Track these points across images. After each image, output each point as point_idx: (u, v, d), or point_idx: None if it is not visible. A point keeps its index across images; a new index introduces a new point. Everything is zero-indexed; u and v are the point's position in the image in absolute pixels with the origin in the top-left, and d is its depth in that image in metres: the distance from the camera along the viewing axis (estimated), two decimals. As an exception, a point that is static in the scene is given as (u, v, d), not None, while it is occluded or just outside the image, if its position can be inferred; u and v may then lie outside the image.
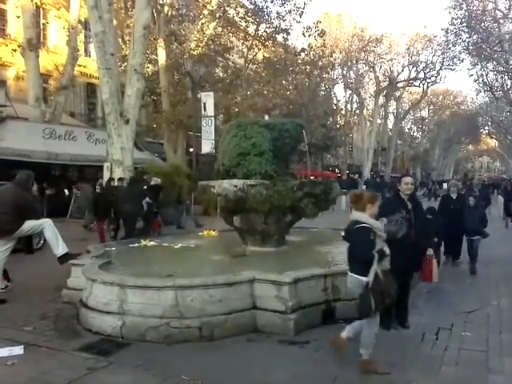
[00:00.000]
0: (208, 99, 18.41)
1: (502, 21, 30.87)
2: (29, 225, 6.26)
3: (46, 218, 6.87)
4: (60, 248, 6.26)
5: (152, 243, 8.14)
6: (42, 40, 22.74)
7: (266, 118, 8.15)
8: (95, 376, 4.08)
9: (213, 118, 18.56)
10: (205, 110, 18.46)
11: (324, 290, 5.56)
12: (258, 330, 5.15)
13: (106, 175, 14.82)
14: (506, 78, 40.83)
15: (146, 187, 11.52)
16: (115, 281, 5.19)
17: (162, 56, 21.74)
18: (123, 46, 22.33)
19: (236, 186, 6.91)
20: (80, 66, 22.47)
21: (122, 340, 4.88)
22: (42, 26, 22.97)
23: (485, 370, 4.32)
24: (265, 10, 23.96)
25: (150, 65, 23.93)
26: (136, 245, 8.08)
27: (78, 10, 19.70)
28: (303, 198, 7.03)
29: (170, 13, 22.28)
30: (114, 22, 17.52)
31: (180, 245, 7.91)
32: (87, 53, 24.94)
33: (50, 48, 23.15)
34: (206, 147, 18.51)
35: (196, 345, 4.79)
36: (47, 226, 6.28)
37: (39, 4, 21.08)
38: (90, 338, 4.95)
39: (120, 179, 13.13)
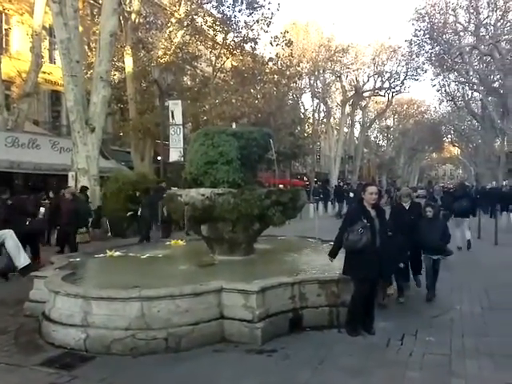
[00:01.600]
0: (176, 107, 18.31)
1: (462, 33, 32.06)
2: (-11, 236, 6.07)
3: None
4: (22, 259, 6.10)
5: (118, 253, 8.00)
6: (4, 46, 22.20)
7: (234, 126, 8.15)
8: (57, 391, 3.97)
9: (181, 127, 18.46)
10: (173, 118, 18.33)
11: (291, 298, 5.58)
12: (225, 340, 5.12)
13: (71, 184, 14.53)
14: (467, 88, 42.28)
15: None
16: (79, 292, 5.07)
17: (129, 63, 21.55)
18: (89, 53, 22.04)
19: (203, 195, 6.88)
20: (44, 72, 22.01)
21: (86, 353, 4.77)
22: (4, 32, 22.41)
23: (448, 374, 4.42)
24: (233, 19, 24.10)
25: (116, 72, 23.68)
26: (101, 255, 7.92)
27: (42, 16, 19.32)
28: (271, 206, 7.05)
29: (137, 20, 22.13)
30: (80, 28, 17.29)
31: (147, 255, 7.80)
32: (52, 60, 24.45)
33: (12, 54, 22.58)
34: (174, 155, 18.37)
35: (162, 356, 4.72)
36: (8, 237, 6.10)
37: (1, 9, 20.61)
38: (52, 352, 4.81)
39: (83, 189, 12.70)
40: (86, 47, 22.15)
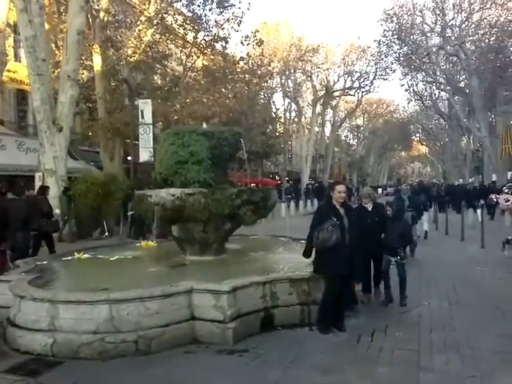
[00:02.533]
0: (146, 106, 18.08)
1: (429, 34, 32.71)
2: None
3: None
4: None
5: (86, 256, 7.85)
6: (-34, 43, 21.49)
7: (204, 126, 8.10)
8: (23, 399, 3.87)
9: (151, 126, 18.24)
10: (142, 117, 18.09)
11: (262, 298, 5.58)
12: (196, 341, 5.08)
13: (38, 185, 14.18)
14: (434, 88, 43.24)
15: None
16: (46, 296, 4.95)
17: (97, 62, 21.15)
18: (57, 52, 21.53)
19: (174, 195, 6.81)
20: (9, 71, 21.42)
21: (53, 359, 4.66)
22: (-35, 29, 21.67)
23: (416, 369, 4.49)
24: (203, 18, 23.95)
25: (85, 71, 23.22)
26: (69, 258, 7.76)
27: (6, 12, 18.76)
28: (242, 205, 7.04)
29: (105, 18, 21.74)
30: (47, 26, 16.89)
31: (116, 256, 7.67)
32: (17, 58, 23.80)
33: (-25, 52, 21.87)
34: (144, 155, 18.15)
35: (132, 359, 4.65)
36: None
37: (-37, 5, 19.90)
38: (17, 359, 4.68)
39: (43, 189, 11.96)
40: (53, 45, 21.62)
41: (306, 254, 5.83)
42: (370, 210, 7.00)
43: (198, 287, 5.19)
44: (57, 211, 10.48)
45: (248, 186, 9.63)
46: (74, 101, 15.19)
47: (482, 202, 20.72)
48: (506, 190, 12.59)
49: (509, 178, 32.52)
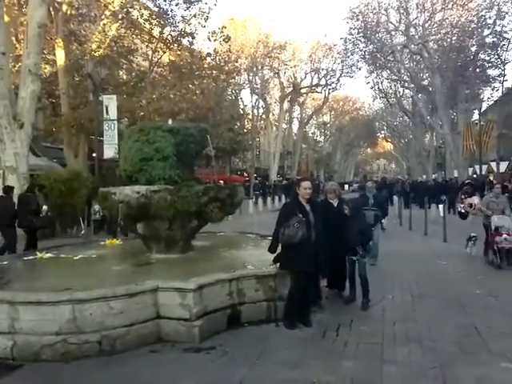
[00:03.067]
0: (110, 102, 17.76)
1: (393, 33, 33.31)
2: None
3: None
4: None
5: (49, 255, 7.65)
6: None
7: (170, 122, 8.00)
8: (-20, 404, 3.75)
9: (116, 122, 17.94)
10: (107, 113, 17.77)
11: (229, 295, 5.57)
12: (162, 340, 5.03)
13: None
14: (399, 85, 44.07)
15: None
16: (5, 297, 4.79)
17: (60, 56, 20.62)
18: (17, 45, 20.87)
19: (138, 192, 6.70)
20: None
21: (13, 362, 4.53)
22: None
23: (380, 361, 4.58)
24: (169, 13, 23.68)
25: (47, 66, 22.60)
26: (31, 257, 7.55)
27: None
28: (208, 202, 7.00)
29: (68, 12, 21.20)
30: (6, 18, 16.32)
31: (80, 256, 7.50)
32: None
33: None
34: (109, 152, 17.83)
35: (96, 360, 4.57)
36: None
37: None
38: (-26, 363, 4.53)
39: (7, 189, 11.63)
40: (14, 39, 20.96)
41: (271, 250, 5.84)
42: (335, 205, 6.84)
43: (164, 286, 5.14)
44: (44, 207, 10.34)
45: (215, 183, 9.59)
46: (36, 96, 14.77)
47: (443, 197, 21.32)
48: (462, 196, 12.28)
49: (470, 174, 33.50)
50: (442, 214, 14.21)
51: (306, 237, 5.38)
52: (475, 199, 10.11)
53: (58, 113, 22.59)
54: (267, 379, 4.21)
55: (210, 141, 7.70)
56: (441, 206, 15.62)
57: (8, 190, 10.36)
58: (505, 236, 9.11)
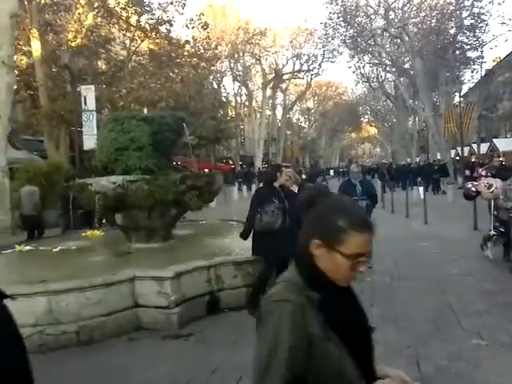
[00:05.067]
0: (88, 92, 17.55)
1: (373, 16, 33.21)
2: None
3: None
4: None
5: (28, 248, 7.61)
6: None
7: (145, 111, 7.96)
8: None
9: (94, 113, 17.75)
10: (85, 103, 17.57)
11: (208, 282, 5.61)
12: (141, 328, 5.06)
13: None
14: (381, 70, 44.13)
15: None
16: (-21, 291, 4.77)
17: (36, 47, 20.23)
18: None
19: (115, 183, 6.68)
20: None
21: (-11, 355, 4.51)
22: None
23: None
24: (146, 0, 23.36)
25: (23, 57, 22.18)
26: (9, 251, 7.51)
27: None
28: (186, 191, 7.00)
29: (42, 1, 20.79)
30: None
31: (59, 248, 7.48)
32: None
33: None
34: (89, 143, 17.62)
35: (74, 350, 4.59)
36: None
37: None
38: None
39: None
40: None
41: (244, 236, 5.82)
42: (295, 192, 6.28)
43: (141, 274, 5.15)
44: None
45: (193, 172, 9.56)
46: (11, 88, 14.55)
47: (419, 179, 21.47)
48: (484, 173, 9.25)
49: (452, 156, 33.83)
50: (422, 197, 14.36)
51: (284, 224, 5.38)
52: (498, 181, 7.99)
53: (37, 105, 22.25)
54: (243, 363, 4.25)
55: (186, 129, 7.68)
56: (421, 188, 15.78)
57: None
58: None
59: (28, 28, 20.47)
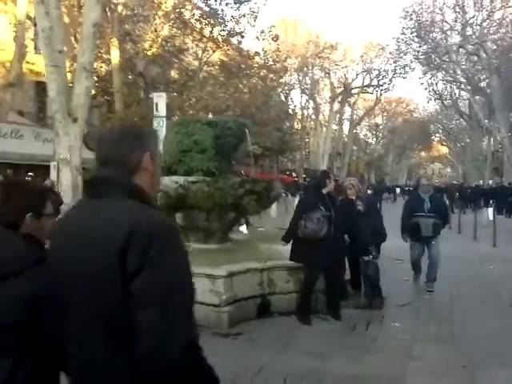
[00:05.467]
0: (160, 99, 18.21)
1: (449, 32, 32.27)
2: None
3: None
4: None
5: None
6: (-13, 35, 21.99)
7: (210, 116, 8.18)
8: None
9: (164, 119, 18.38)
10: (157, 110, 18.26)
11: (260, 284, 5.64)
12: (192, 324, 5.15)
13: (53, 174, 14.46)
14: (455, 87, 42.61)
15: None
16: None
17: (115, 55, 21.42)
18: (75, 45, 21.86)
19: (177, 183, 6.88)
20: (29, 63, 21.82)
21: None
22: (-13, 21, 22.20)
23: (407, 358, 4.50)
24: (220, 12, 24.08)
25: (103, 64, 23.53)
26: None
27: (25, 5, 19.15)
28: (245, 195, 7.09)
29: (124, 12, 22.02)
30: (66, 19, 17.17)
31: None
32: (38, 50, 24.22)
33: (-4, 44, 22.37)
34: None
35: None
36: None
37: (-16, -2, 20.41)
38: None
39: None
40: (73, 38, 21.97)
41: (286, 239, 5.70)
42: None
43: (195, 271, 5.23)
44: None
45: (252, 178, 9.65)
46: (90, 92, 15.38)
47: (491, 201, 20.46)
48: None
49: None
50: (491, 218, 13.65)
51: (328, 233, 5.28)
52: None
53: (113, 110, 23.48)
54: (288, 366, 4.23)
55: (248, 135, 7.79)
56: (490, 209, 15.00)
57: None
58: None
59: (109, 37, 21.72)
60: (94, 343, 1.31)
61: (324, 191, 5.50)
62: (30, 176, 16.40)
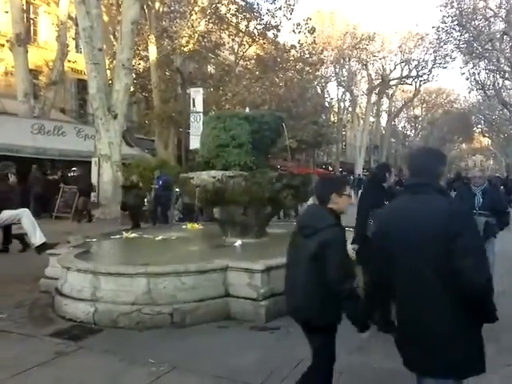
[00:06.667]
0: (197, 95, 18.42)
1: (492, 19, 31.09)
2: (6, 214, 6.31)
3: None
4: (37, 237, 6.31)
5: (134, 235, 8.19)
6: (31, 35, 22.71)
7: (247, 110, 8.20)
8: (62, 360, 4.14)
9: (201, 114, 18.54)
10: (194, 105, 18.46)
11: (297, 279, 5.61)
12: (230, 317, 5.21)
13: (94, 170, 14.88)
14: (498, 76, 41.02)
15: None
16: (89, 268, 5.24)
17: (153, 52, 21.77)
18: (115, 43, 22.33)
19: (215, 177, 6.96)
20: (70, 61, 22.46)
21: (95, 326, 4.93)
22: (31, 22, 22.94)
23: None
24: (255, 6, 24.05)
25: (141, 61, 23.96)
26: (118, 236, 8.12)
27: (67, 5, 19.70)
28: (282, 189, 7.09)
29: (161, 9, 22.32)
30: (105, 18, 17.58)
31: (161, 237, 7.95)
32: (78, 49, 24.87)
33: (39, 43, 23.12)
34: (195, 143, 18.42)
35: (167, 331, 4.84)
36: (25, 216, 6.33)
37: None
38: (62, 325, 5.00)
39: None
40: (112, 36, 22.44)
41: (359, 242, 5.13)
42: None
43: (233, 265, 5.31)
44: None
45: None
46: (129, 89, 15.75)
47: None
48: None
49: None
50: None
51: None
52: None
53: (151, 106, 23.89)
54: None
55: (285, 129, 7.78)
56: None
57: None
58: None
59: (146, 34, 22.06)
60: (423, 280, 2.27)
61: (385, 185, 5.11)
62: (74, 171, 16.88)
